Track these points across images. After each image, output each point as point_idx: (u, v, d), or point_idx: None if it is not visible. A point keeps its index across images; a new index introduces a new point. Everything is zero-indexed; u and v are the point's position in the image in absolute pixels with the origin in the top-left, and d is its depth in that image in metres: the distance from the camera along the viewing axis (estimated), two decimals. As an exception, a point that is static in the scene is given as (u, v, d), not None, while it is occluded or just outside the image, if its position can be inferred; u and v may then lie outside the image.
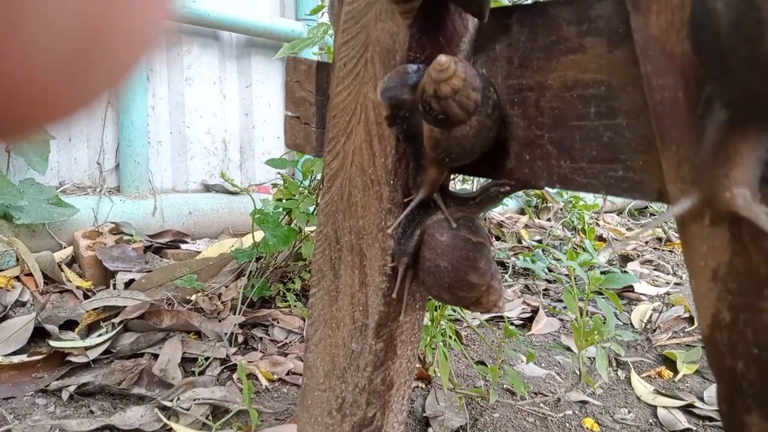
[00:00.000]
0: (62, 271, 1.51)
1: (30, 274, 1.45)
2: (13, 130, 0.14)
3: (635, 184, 0.39)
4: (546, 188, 0.45)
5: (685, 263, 0.30)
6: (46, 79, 0.13)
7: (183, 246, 1.77)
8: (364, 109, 0.49)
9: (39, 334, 1.22)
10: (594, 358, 1.00)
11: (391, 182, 0.48)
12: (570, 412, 1.12)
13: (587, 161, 0.41)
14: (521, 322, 1.61)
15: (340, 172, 0.53)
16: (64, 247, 1.62)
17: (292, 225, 1.38)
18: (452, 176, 0.58)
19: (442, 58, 0.40)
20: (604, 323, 0.77)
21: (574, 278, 0.80)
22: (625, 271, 2.18)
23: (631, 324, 1.65)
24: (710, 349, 0.30)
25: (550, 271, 2.10)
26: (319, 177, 1.43)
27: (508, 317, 1.62)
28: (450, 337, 0.85)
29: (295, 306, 1.42)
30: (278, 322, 1.38)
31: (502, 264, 2.14)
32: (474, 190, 0.49)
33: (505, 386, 1.16)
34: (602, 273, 1.77)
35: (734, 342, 0.28)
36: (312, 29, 1.25)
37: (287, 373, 1.16)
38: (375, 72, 0.47)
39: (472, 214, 0.48)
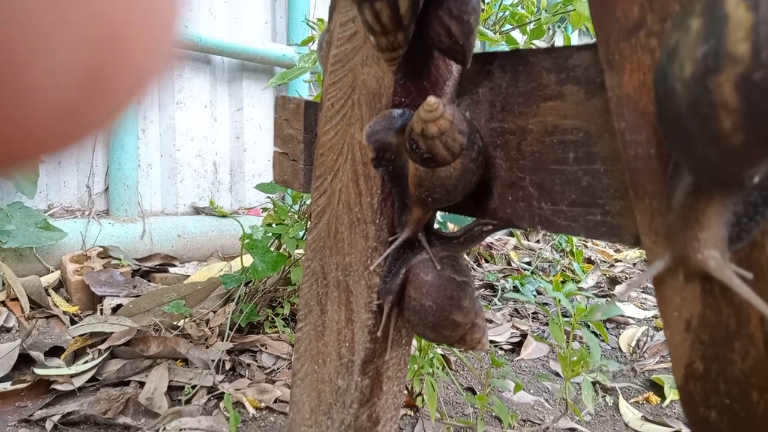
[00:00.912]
0: (49, 295, 1.50)
1: (16, 299, 1.43)
2: (11, 162, 0.14)
3: (613, 229, 0.40)
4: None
5: (660, 313, 0.31)
6: (48, 113, 0.13)
7: (171, 269, 1.76)
8: (351, 149, 0.50)
9: (24, 361, 1.21)
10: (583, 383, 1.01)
11: (377, 221, 0.49)
12: (558, 440, 1.12)
13: (567, 204, 0.43)
14: (510, 346, 1.62)
15: (327, 209, 0.54)
16: (52, 271, 1.61)
17: (282, 250, 1.38)
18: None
19: (432, 99, 0.41)
20: (590, 353, 0.77)
21: (560, 307, 0.81)
22: (613, 294, 2.20)
23: (619, 348, 1.65)
24: (684, 398, 0.30)
25: (539, 293, 2.10)
26: (309, 202, 1.44)
27: (496, 342, 1.62)
28: (438, 367, 0.86)
29: (283, 331, 1.41)
30: (266, 348, 1.37)
31: (491, 287, 2.15)
32: (456, 229, 0.50)
33: (493, 414, 1.15)
34: (592, 297, 1.78)
35: (707, 392, 0.29)
36: (303, 57, 1.26)
37: (274, 401, 1.15)
38: (361, 114, 0.48)
39: (456, 253, 0.48)
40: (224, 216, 2.02)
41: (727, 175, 0.22)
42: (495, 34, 1.51)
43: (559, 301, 0.76)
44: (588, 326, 1.06)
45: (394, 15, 0.39)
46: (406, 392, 0.98)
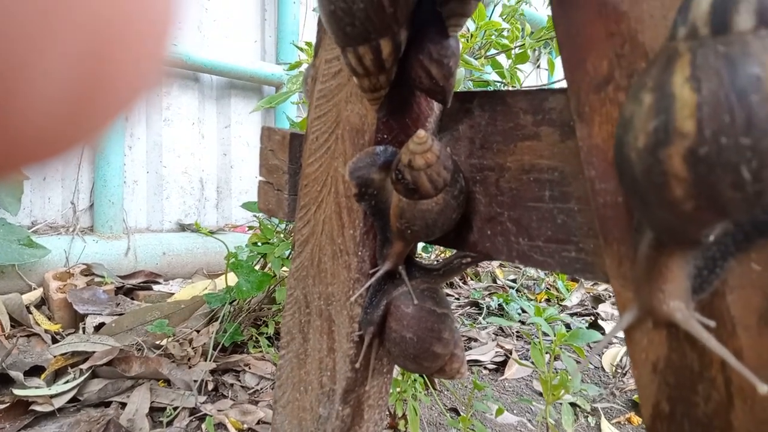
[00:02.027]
0: (31, 313, 1.49)
1: (-4, 317, 1.42)
2: (4, 169, 0.14)
3: (587, 266, 0.41)
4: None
5: (629, 353, 0.32)
6: (37, 122, 0.13)
7: (155, 287, 1.75)
8: (334, 181, 0.51)
9: (3, 381, 1.20)
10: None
11: (359, 253, 0.50)
12: (540, 462, 1.13)
13: (543, 240, 0.44)
14: (494, 366, 1.62)
15: (311, 239, 0.55)
16: (34, 289, 1.59)
17: (267, 269, 1.39)
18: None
19: (422, 132, 0.43)
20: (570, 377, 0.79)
21: (542, 332, 0.82)
22: (597, 313, 2.22)
23: (602, 368, 1.67)
24: (651, 437, 0.32)
25: (524, 311, 2.12)
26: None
27: (481, 361, 1.63)
28: (420, 391, 0.86)
29: (267, 351, 1.41)
30: (250, 368, 1.37)
31: (476, 304, 2.16)
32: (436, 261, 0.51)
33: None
34: (574, 318, 1.80)
35: (672, 432, 0.30)
36: (291, 78, 1.28)
37: (257, 423, 1.15)
38: (345, 149, 0.49)
39: (436, 285, 0.50)
40: (210, 234, 2.02)
41: (683, 234, 0.23)
42: (480, 59, 1.54)
43: (540, 325, 0.77)
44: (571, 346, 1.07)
45: (376, 59, 0.40)
46: (389, 414, 0.99)
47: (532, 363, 0.96)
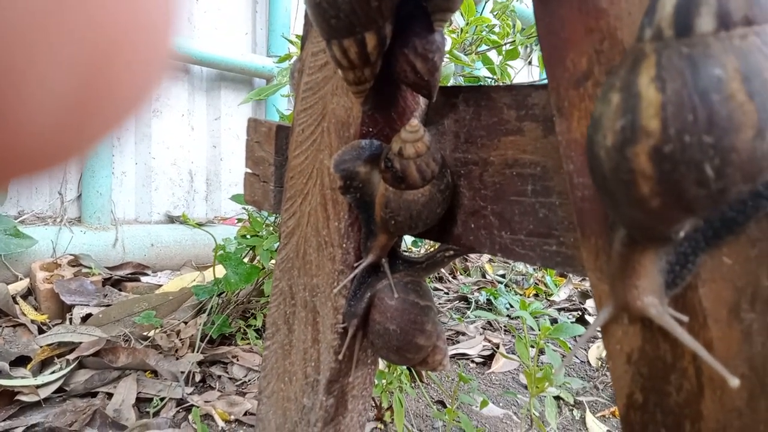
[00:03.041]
0: (17, 303, 1.48)
1: (-18, 308, 1.41)
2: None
3: (567, 259, 0.42)
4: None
5: (604, 345, 0.33)
6: (39, 128, 0.13)
7: (143, 279, 1.75)
8: (320, 174, 0.51)
9: (-12, 371, 1.19)
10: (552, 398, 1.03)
11: (344, 245, 0.50)
12: (525, 454, 1.14)
13: (525, 234, 0.44)
14: (482, 359, 1.64)
15: (297, 231, 0.55)
16: (21, 279, 1.58)
17: (255, 262, 1.39)
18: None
19: (415, 121, 0.43)
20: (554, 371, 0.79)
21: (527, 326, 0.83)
22: (584, 309, 2.24)
23: (588, 362, 1.69)
24: (625, 427, 0.32)
25: (512, 306, 2.13)
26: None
27: (468, 355, 1.64)
28: (406, 384, 0.87)
29: (255, 343, 1.41)
30: (238, 360, 1.37)
31: (465, 299, 2.17)
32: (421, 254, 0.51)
33: (462, 428, 1.17)
34: (561, 313, 1.82)
35: (646, 422, 0.31)
36: (281, 71, 1.27)
37: (244, 414, 1.15)
38: (330, 141, 0.49)
39: (420, 278, 0.50)
40: (200, 223, 2.01)
41: (653, 231, 0.24)
42: (471, 54, 1.54)
43: (525, 319, 0.78)
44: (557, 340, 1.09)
45: (361, 52, 0.40)
46: (375, 406, 0.99)
47: (519, 357, 0.97)
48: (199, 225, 2.00)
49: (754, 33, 0.19)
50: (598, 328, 0.29)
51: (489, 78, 1.66)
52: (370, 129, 0.47)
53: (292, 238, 0.56)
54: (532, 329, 0.78)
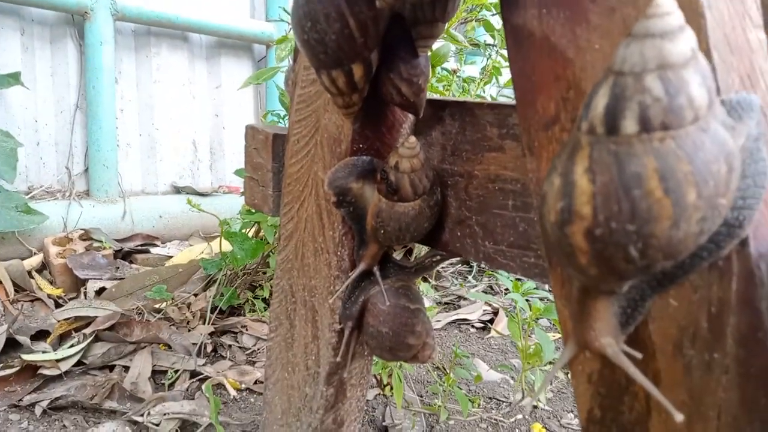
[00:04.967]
0: (32, 278, 1.54)
1: (0, 283, 1.46)
2: None
3: (544, 271, 0.45)
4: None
5: (568, 366, 0.36)
6: None
7: (153, 250, 1.80)
8: (315, 184, 0.54)
9: (11, 345, 1.25)
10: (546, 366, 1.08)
11: (338, 253, 0.53)
12: (520, 417, 1.20)
13: (506, 245, 0.47)
14: (482, 324, 1.69)
15: (295, 234, 0.59)
16: (35, 254, 1.63)
17: (260, 236, 1.43)
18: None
19: (413, 138, 0.46)
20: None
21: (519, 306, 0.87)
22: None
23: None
24: (585, 437, 0.36)
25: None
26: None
27: (468, 320, 1.70)
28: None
29: (263, 314, 1.47)
30: (247, 329, 1.43)
31: (467, 262, 2.22)
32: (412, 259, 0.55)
33: (462, 390, 1.23)
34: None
35: (603, 434, 0.35)
36: (278, 48, 1.28)
37: (254, 383, 1.22)
38: (323, 155, 0.52)
39: (410, 282, 0.53)
40: (206, 193, 2.05)
41: (598, 287, 0.27)
42: (471, 21, 1.53)
43: (517, 301, 0.82)
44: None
45: (349, 81, 0.42)
46: (376, 382, 1.05)
47: (511, 335, 1.02)
48: (207, 193, 2.04)
49: (670, 137, 0.22)
50: (563, 365, 0.32)
51: (490, 45, 1.65)
52: (361, 145, 0.50)
53: (290, 242, 0.59)
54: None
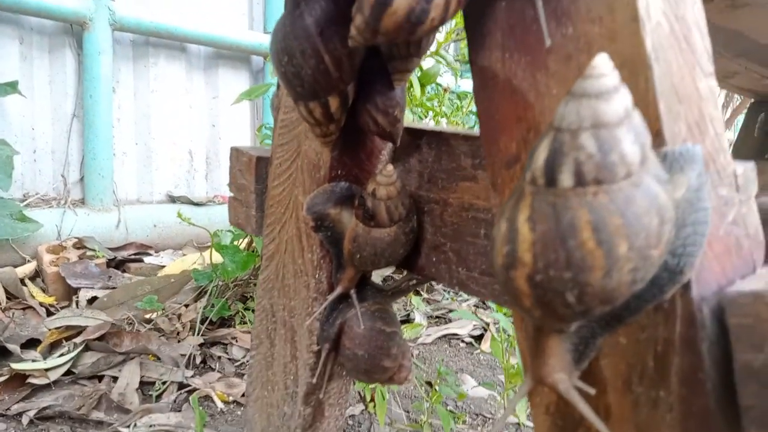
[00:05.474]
0: (25, 285, 1.54)
1: (-8, 291, 1.47)
2: None
3: (514, 299, 0.46)
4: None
5: (527, 399, 0.37)
6: None
7: (146, 259, 1.81)
8: (295, 207, 0.55)
9: (0, 353, 1.26)
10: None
11: (317, 275, 0.54)
12: (506, 433, 1.21)
13: (478, 272, 0.49)
14: (471, 339, 1.70)
15: (276, 255, 0.60)
16: (28, 261, 1.64)
17: (252, 248, 1.44)
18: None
19: (390, 167, 0.47)
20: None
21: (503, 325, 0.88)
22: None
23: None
24: (544, 465, 0.37)
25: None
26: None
27: (458, 335, 1.71)
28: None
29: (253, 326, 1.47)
30: (237, 341, 1.44)
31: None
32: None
33: (448, 408, 1.24)
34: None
35: (561, 462, 0.36)
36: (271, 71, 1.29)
37: (242, 395, 1.22)
38: (304, 180, 0.53)
39: (387, 305, 0.55)
40: (200, 203, 2.07)
41: (549, 325, 0.28)
42: (463, 49, 1.55)
43: (500, 321, 0.83)
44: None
45: (325, 113, 0.44)
46: (360, 398, 1.06)
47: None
48: (202, 203, 2.05)
49: (603, 191, 0.23)
50: (521, 399, 0.33)
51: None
52: (340, 171, 0.51)
53: (272, 262, 0.60)
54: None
